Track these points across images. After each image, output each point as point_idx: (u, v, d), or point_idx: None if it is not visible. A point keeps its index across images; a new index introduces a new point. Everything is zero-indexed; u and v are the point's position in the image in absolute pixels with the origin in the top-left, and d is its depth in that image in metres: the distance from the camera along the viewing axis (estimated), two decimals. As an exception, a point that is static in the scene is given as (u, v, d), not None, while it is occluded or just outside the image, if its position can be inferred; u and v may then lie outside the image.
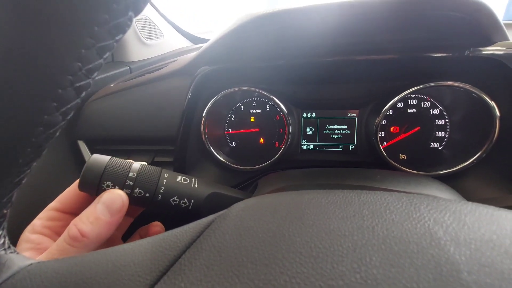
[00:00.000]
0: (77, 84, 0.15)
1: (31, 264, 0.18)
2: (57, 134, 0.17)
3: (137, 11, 0.15)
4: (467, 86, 0.43)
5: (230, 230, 0.18)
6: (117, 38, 0.15)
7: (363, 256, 0.14)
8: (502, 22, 0.37)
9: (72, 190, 0.31)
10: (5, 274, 0.17)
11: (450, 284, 0.12)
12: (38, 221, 0.30)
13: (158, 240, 0.19)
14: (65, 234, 0.26)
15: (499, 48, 0.41)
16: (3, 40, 0.13)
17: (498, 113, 0.42)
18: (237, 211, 0.20)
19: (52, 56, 0.14)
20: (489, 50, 0.40)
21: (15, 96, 0.14)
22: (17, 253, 0.19)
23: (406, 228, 0.16)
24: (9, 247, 0.19)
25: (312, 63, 0.50)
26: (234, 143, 0.59)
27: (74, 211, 0.31)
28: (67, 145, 0.58)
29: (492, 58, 0.40)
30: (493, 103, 0.42)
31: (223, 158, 0.55)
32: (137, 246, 0.19)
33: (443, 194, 0.35)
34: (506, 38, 0.38)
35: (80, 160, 0.57)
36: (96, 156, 0.31)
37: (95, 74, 0.16)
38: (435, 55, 0.43)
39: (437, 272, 0.13)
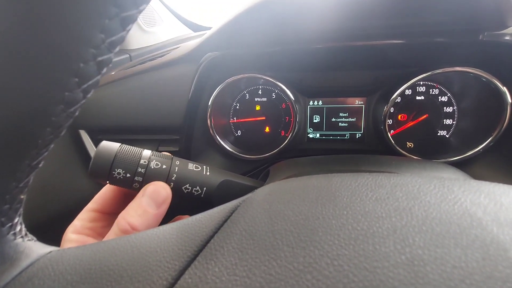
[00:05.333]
0: (100, 58, 0.14)
1: (51, 251, 0.17)
2: (77, 113, 0.16)
3: None
4: (478, 72, 0.43)
5: (259, 214, 0.17)
6: (140, 8, 0.14)
7: (405, 238, 0.14)
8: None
9: (108, 190, 0.31)
10: (24, 262, 0.17)
11: (500, 263, 0.12)
12: (79, 222, 0.29)
13: (183, 225, 0.18)
14: (114, 228, 0.25)
15: None
16: (21, 8, 0.12)
17: (510, 100, 0.42)
18: (263, 195, 0.19)
19: (75, 26, 0.12)
20: (505, 34, 0.39)
21: (36, 69, 0.13)
22: (35, 241, 0.18)
23: (444, 209, 0.15)
24: (26, 234, 0.18)
25: (319, 49, 0.48)
26: (239, 132, 0.58)
27: (113, 211, 0.31)
28: (68, 135, 0.56)
29: (506, 42, 0.40)
30: (504, 89, 0.42)
31: (229, 147, 0.54)
32: (161, 232, 0.18)
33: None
34: None
35: (81, 150, 0.55)
36: (106, 143, 0.29)
37: (117, 49, 0.15)
38: (448, 40, 0.42)
39: (485, 252, 0.13)
